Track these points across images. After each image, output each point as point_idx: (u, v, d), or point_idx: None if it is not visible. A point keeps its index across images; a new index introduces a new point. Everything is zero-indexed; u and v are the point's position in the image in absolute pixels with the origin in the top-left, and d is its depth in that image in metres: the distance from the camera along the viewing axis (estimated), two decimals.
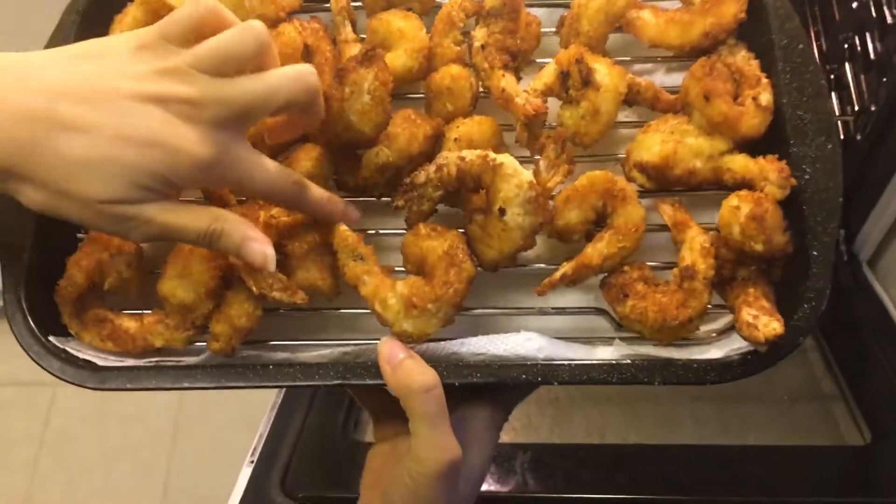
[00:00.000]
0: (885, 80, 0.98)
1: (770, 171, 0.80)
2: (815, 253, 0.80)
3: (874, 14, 1.04)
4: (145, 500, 2.35)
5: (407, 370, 0.77)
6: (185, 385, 0.82)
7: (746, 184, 0.84)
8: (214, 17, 0.72)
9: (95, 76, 0.68)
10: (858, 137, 1.02)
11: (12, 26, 1.45)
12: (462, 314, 0.85)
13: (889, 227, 1.01)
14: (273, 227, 0.84)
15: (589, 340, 0.85)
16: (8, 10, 1.42)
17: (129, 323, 0.86)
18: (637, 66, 0.98)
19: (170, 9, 0.95)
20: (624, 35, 0.97)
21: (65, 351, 0.84)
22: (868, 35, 1.05)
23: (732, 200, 0.79)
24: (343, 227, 0.84)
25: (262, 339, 0.87)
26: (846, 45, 1.09)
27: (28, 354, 0.84)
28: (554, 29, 0.97)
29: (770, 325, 0.71)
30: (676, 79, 0.95)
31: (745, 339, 0.74)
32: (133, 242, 0.87)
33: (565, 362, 0.80)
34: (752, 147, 0.88)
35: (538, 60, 0.96)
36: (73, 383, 0.82)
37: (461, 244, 0.83)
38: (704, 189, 0.88)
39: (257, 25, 0.73)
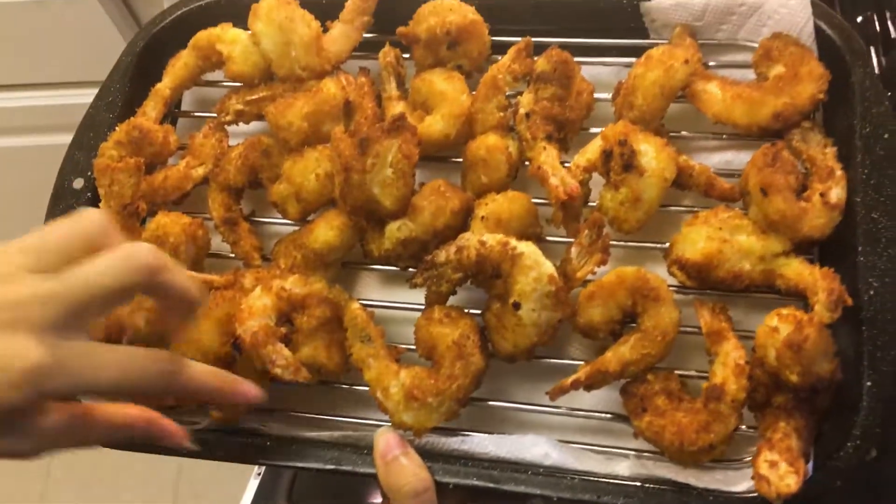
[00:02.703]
0: (890, 94, 0.94)
1: (821, 288, 0.74)
2: (868, 384, 0.73)
3: (878, 28, 1.02)
4: None
5: (399, 469, 0.76)
6: (186, 452, 0.84)
7: (800, 293, 0.78)
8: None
9: None
10: None
11: (74, 64, 1.54)
12: (473, 405, 0.83)
13: None
14: (284, 299, 0.85)
15: (606, 450, 0.81)
16: (70, 50, 1.51)
17: None
18: (707, 143, 0.92)
19: (219, 55, 0.98)
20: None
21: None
22: (872, 49, 1.03)
23: (772, 320, 0.74)
24: (355, 305, 0.84)
25: (268, 407, 0.88)
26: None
27: None
28: (612, 94, 0.93)
29: (786, 479, 0.66)
30: (747, 158, 0.89)
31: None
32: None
33: (568, 476, 0.77)
34: (820, 247, 0.82)
35: (592, 130, 0.92)
36: None
37: (473, 334, 0.81)
38: (756, 292, 0.82)
39: (91, 213, 0.66)
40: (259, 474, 1.25)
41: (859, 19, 1.14)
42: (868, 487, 1.08)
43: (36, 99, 1.61)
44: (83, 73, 1.51)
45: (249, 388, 0.75)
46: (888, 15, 1.04)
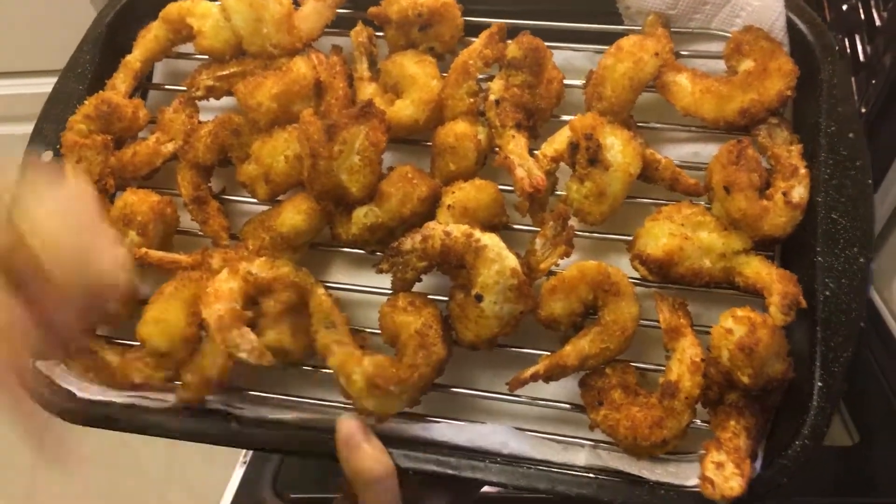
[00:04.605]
0: (873, 81, 0.98)
1: (776, 290, 0.74)
2: (819, 384, 0.75)
3: (863, 16, 1.03)
4: (143, 497, 2.46)
5: (362, 455, 0.78)
6: (152, 432, 0.86)
7: (758, 292, 0.79)
8: None
9: None
10: None
11: (41, 36, 1.51)
12: (435, 391, 0.85)
13: (881, 230, 1.00)
14: (251, 283, 0.85)
15: (564, 440, 0.83)
16: (37, 21, 1.47)
17: (111, 356, 0.90)
18: (676, 134, 0.92)
19: (190, 28, 0.97)
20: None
21: (48, 378, 0.89)
22: (857, 37, 1.05)
23: (727, 320, 0.75)
24: (321, 290, 0.85)
25: (235, 387, 0.89)
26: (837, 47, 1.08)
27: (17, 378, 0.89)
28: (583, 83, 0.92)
29: (730, 481, 0.68)
30: (715, 151, 0.89)
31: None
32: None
33: (523, 466, 0.79)
34: (782, 245, 0.83)
35: (563, 117, 0.92)
36: (51, 412, 0.88)
37: (436, 324, 0.82)
38: (716, 288, 0.83)
39: None
40: (244, 462, 1.26)
41: (844, 7, 1.14)
42: (859, 474, 1.12)
43: (12, 87, 1.58)
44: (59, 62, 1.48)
45: None
46: (873, 3, 1.04)
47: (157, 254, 0.90)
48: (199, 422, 0.86)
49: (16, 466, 2.52)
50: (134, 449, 2.46)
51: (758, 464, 0.74)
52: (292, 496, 1.20)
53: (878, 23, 1.00)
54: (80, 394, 0.89)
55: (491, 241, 0.79)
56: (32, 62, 1.55)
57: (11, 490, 2.52)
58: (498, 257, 0.79)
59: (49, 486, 2.51)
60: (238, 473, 1.25)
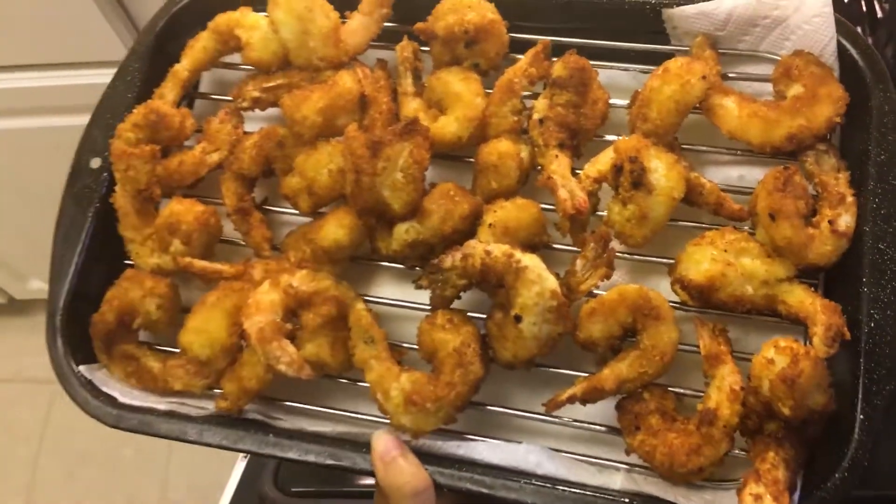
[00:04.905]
0: None
1: (820, 321, 0.74)
2: (861, 417, 0.74)
3: (864, 9, 1.02)
4: (144, 493, 2.47)
5: (399, 470, 0.78)
6: (191, 439, 0.87)
7: (801, 321, 0.78)
8: None
9: None
10: None
11: (89, 45, 1.52)
12: (471, 408, 0.85)
13: None
14: (291, 295, 0.86)
15: (598, 462, 0.83)
16: (85, 30, 1.48)
17: (153, 363, 0.92)
18: (721, 157, 0.91)
19: (238, 39, 0.98)
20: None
21: (90, 383, 0.91)
22: (859, 29, 1.01)
23: (768, 350, 0.74)
24: (360, 305, 0.85)
25: (273, 395, 0.90)
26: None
27: (59, 380, 0.91)
28: (628, 102, 0.91)
29: None
30: (760, 175, 0.87)
31: None
32: (166, 284, 0.92)
33: (559, 487, 0.79)
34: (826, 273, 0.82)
35: (606, 137, 0.91)
36: (93, 416, 0.89)
37: (474, 343, 0.82)
38: (757, 314, 0.82)
39: None
40: (245, 457, 1.26)
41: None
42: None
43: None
44: (59, 55, 1.49)
45: None
46: None
47: (200, 263, 0.92)
48: (237, 431, 0.87)
49: (16, 464, 2.57)
50: (134, 447, 2.49)
51: (796, 496, 0.73)
52: (293, 490, 1.19)
53: (879, 14, 0.99)
54: (121, 399, 0.91)
55: (532, 262, 0.79)
56: (31, 57, 1.55)
57: (11, 489, 2.55)
58: (538, 279, 0.79)
59: (49, 485, 2.53)
60: (239, 468, 1.25)
